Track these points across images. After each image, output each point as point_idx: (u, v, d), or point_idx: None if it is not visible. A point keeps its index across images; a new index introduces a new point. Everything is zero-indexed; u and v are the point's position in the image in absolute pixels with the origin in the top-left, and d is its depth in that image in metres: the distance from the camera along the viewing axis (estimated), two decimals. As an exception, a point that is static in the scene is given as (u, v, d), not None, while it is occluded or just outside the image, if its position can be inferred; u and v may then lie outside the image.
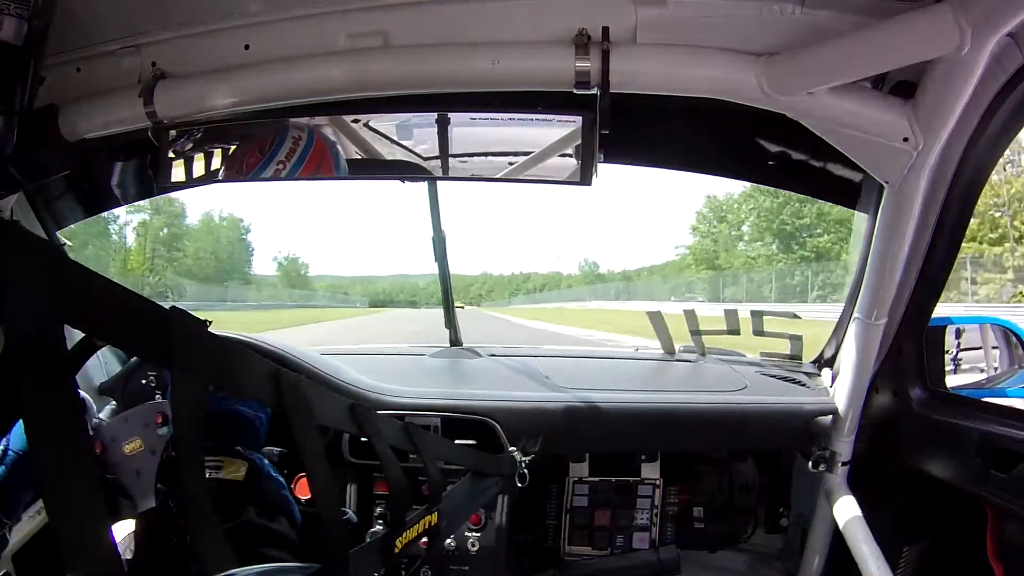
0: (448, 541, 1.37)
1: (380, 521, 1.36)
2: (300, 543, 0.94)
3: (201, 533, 0.59)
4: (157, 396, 1.30)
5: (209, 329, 0.63)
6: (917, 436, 1.29)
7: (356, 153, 1.11)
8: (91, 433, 1.08)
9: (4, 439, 0.93)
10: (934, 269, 1.17)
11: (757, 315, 1.73)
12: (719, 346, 1.89)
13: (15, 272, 0.45)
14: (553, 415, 1.42)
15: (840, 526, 1.32)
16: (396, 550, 0.91)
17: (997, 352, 1.59)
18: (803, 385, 1.56)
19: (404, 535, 0.94)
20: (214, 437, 0.92)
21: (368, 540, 1.04)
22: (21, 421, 0.83)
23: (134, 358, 1.37)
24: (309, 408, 0.74)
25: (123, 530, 1.07)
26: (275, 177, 1.09)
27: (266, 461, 0.99)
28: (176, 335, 0.57)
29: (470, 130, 1.08)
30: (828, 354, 1.61)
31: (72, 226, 1.54)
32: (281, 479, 1.00)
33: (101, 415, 1.24)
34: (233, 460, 1.02)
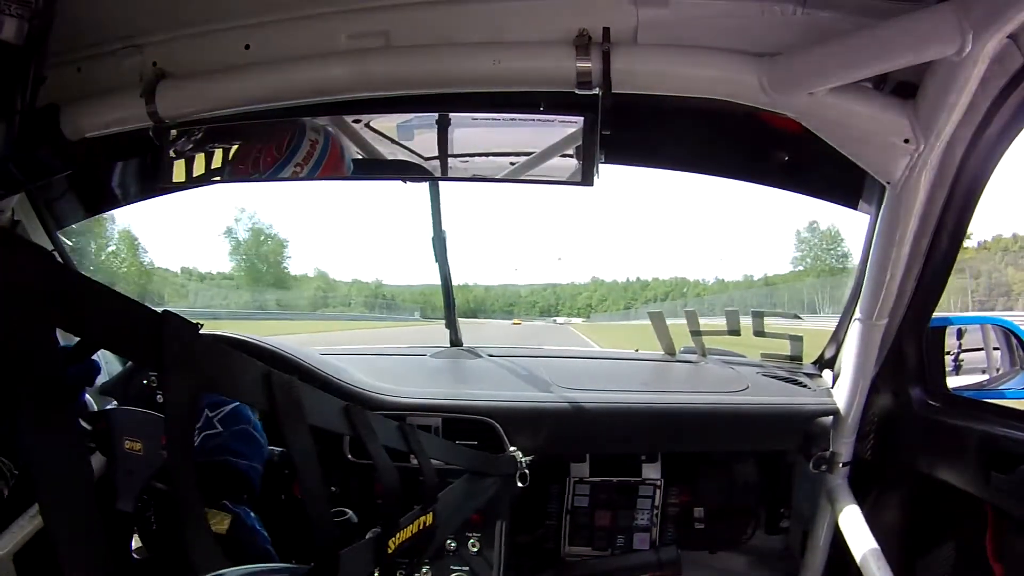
0: (448, 541, 1.37)
1: (382, 521, 1.37)
2: None
3: (191, 534, 0.59)
4: (158, 397, 1.30)
5: (201, 331, 0.64)
6: (917, 437, 1.29)
7: (357, 153, 1.11)
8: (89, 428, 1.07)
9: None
10: (935, 269, 1.17)
11: (758, 316, 1.73)
12: (720, 347, 1.89)
13: (8, 275, 0.45)
14: (554, 415, 1.42)
15: (841, 527, 1.32)
16: (389, 550, 0.91)
17: (998, 353, 1.59)
18: (804, 386, 1.56)
19: (398, 535, 0.94)
20: (203, 489, 0.89)
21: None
22: None
23: None
24: (300, 409, 0.74)
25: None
26: (293, 178, 1.09)
27: (252, 515, 0.96)
28: (167, 338, 0.57)
29: (471, 131, 1.08)
30: (829, 355, 1.61)
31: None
32: (265, 534, 0.97)
33: None
34: (217, 512, 0.98)
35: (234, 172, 1.13)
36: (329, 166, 1.09)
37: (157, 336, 0.57)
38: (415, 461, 1.06)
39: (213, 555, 0.60)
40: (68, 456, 0.46)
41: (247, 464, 1.03)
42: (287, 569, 0.76)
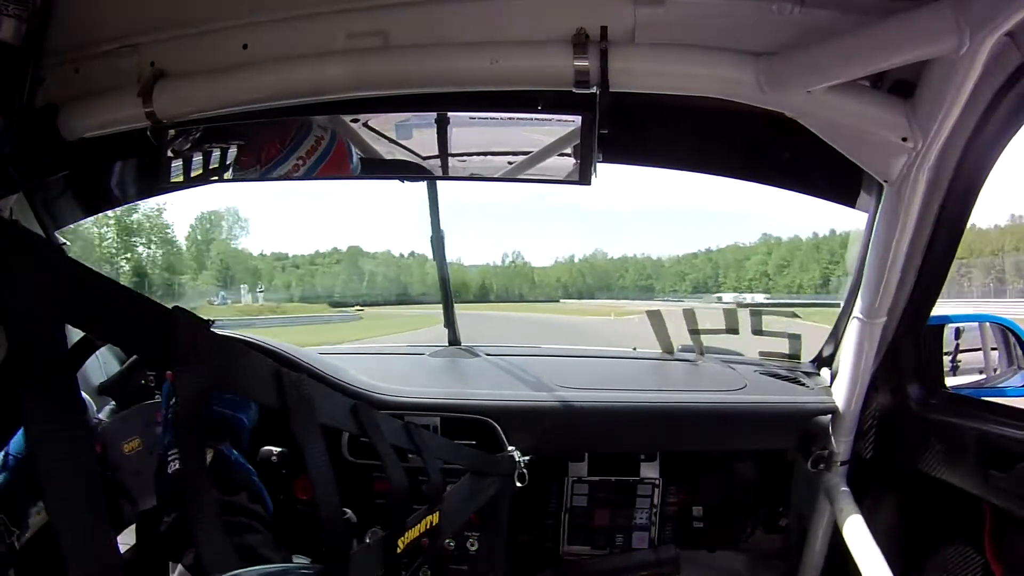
0: (448, 541, 1.37)
1: (381, 521, 1.37)
2: (270, 518, 0.89)
3: (203, 534, 0.59)
4: (157, 396, 1.30)
5: (212, 328, 0.64)
6: (916, 435, 1.30)
7: (356, 153, 1.11)
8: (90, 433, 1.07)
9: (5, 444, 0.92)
10: (933, 268, 1.17)
11: (756, 314, 1.73)
12: (718, 345, 1.88)
13: (15, 272, 0.45)
14: (552, 415, 1.42)
15: (839, 526, 1.32)
16: (398, 550, 0.91)
17: (996, 352, 1.59)
18: (802, 384, 1.56)
19: (406, 535, 0.94)
20: None
21: (368, 540, 1.04)
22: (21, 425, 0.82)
23: (133, 357, 1.37)
24: (311, 407, 0.74)
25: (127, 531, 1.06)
26: (290, 175, 1.09)
27: (234, 451, 0.97)
28: (177, 334, 0.57)
29: (470, 130, 1.08)
30: (827, 353, 1.61)
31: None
32: (250, 467, 0.97)
33: (100, 415, 1.24)
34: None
35: (237, 168, 1.12)
36: (332, 164, 1.09)
37: (167, 332, 0.57)
38: (413, 461, 1.06)
39: (225, 555, 0.59)
40: (73, 451, 0.46)
41: (231, 414, 1.02)
42: (299, 569, 0.77)
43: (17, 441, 0.92)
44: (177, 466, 0.80)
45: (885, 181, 1.02)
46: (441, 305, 1.88)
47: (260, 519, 0.86)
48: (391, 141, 1.10)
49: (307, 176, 1.09)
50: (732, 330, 1.78)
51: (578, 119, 1.01)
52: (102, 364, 1.48)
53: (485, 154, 1.08)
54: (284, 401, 0.71)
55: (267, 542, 0.81)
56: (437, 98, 1.05)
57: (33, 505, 0.93)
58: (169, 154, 1.14)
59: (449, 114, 1.06)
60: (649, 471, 1.58)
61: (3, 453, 0.91)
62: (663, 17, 0.95)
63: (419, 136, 1.10)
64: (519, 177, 1.06)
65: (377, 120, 1.10)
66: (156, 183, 1.16)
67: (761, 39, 0.94)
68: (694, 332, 1.82)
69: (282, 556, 0.81)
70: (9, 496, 0.89)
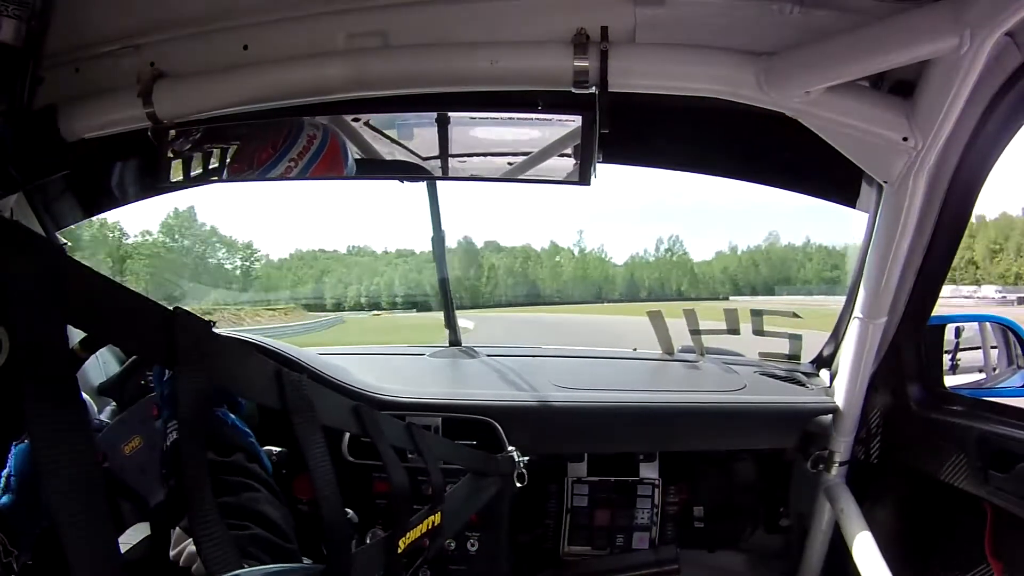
0: (448, 541, 1.37)
1: (380, 521, 1.37)
2: (270, 477, 0.90)
3: (204, 535, 0.58)
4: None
5: (213, 329, 0.64)
6: (916, 435, 1.30)
7: (356, 153, 1.11)
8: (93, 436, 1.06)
9: (6, 467, 0.90)
10: (933, 268, 1.17)
11: (757, 315, 1.73)
12: (718, 345, 1.88)
13: (16, 272, 0.45)
14: (552, 415, 1.42)
15: (839, 526, 1.32)
16: (399, 550, 0.91)
17: (996, 352, 1.59)
18: (802, 385, 1.56)
19: (407, 535, 0.94)
20: None
21: (369, 540, 1.04)
22: (18, 443, 0.82)
23: (133, 358, 1.36)
24: (312, 408, 0.75)
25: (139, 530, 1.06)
26: (285, 175, 1.09)
27: (231, 415, 0.96)
28: (180, 336, 0.57)
29: (470, 130, 1.08)
30: (827, 353, 1.61)
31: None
32: (246, 429, 0.96)
33: (101, 416, 1.24)
34: None
35: (231, 171, 1.13)
36: (325, 162, 1.08)
37: (169, 333, 0.57)
38: (413, 460, 1.06)
39: (227, 555, 0.59)
40: (75, 451, 0.46)
41: None
42: (301, 569, 0.77)
43: (19, 461, 0.91)
44: (175, 436, 0.80)
45: (885, 181, 1.02)
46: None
47: (258, 478, 0.86)
48: (391, 141, 1.10)
49: (300, 177, 1.09)
50: (733, 331, 1.78)
51: (578, 119, 1.01)
52: (101, 365, 1.48)
53: (485, 155, 1.08)
54: (285, 402, 0.71)
55: (266, 499, 0.82)
56: (437, 98, 1.05)
57: (35, 528, 0.92)
58: (169, 154, 1.14)
59: (449, 114, 1.07)
60: (648, 471, 1.58)
61: (5, 474, 0.90)
62: (663, 17, 0.95)
63: (419, 136, 1.10)
64: (519, 178, 1.06)
65: (377, 120, 1.10)
66: (156, 183, 1.16)
67: (761, 39, 0.94)
68: (695, 333, 1.82)
69: (283, 513, 0.82)
70: (10, 517, 0.89)
